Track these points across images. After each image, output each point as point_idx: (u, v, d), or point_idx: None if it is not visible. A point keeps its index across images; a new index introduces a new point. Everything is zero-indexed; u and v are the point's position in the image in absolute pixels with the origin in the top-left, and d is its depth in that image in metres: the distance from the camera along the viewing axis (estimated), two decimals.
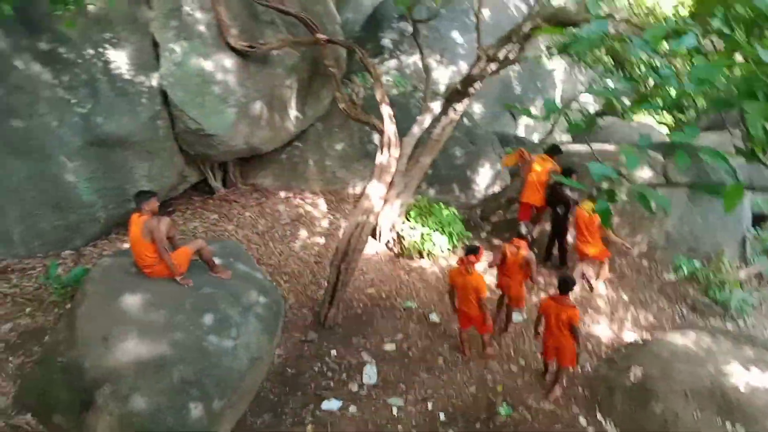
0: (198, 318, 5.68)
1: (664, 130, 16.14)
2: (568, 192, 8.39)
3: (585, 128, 3.03)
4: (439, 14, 9.79)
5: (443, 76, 14.09)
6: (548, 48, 12.13)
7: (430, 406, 6.63)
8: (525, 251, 7.21)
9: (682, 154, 2.96)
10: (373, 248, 9.05)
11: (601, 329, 7.95)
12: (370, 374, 6.98)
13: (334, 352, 7.23)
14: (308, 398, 6.52)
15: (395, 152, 7.88)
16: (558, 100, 16.61)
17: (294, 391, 6.60)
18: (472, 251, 6.72)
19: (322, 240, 9.34)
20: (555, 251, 9.00)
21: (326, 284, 7.73)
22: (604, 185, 8.07)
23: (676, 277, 8.83)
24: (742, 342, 6.84)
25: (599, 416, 6.67)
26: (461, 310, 6.99)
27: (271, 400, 6.45)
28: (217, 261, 6.38)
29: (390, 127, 7.90)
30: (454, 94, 8.47)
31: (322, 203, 10.17)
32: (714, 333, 7.11)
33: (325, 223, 9.74)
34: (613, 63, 13.06)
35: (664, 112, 17.44)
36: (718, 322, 8.16)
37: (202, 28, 8.43)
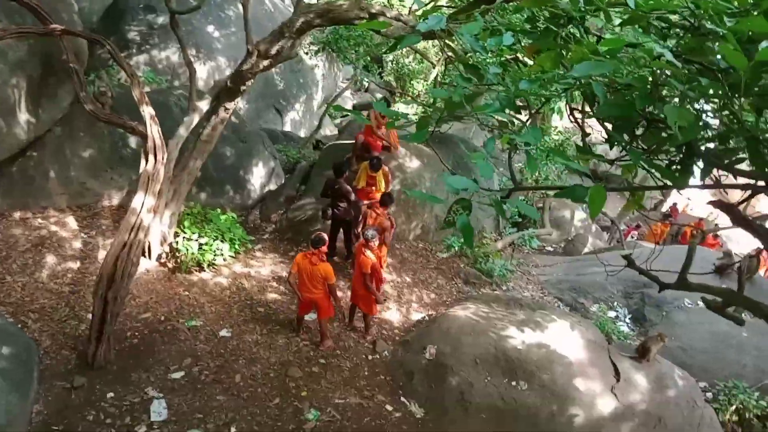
0: None
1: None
2: (347, 186, 8.43)
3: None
4: (201, 6, 8.98)
5: (201, 72, 13.17)
6: (311, 44, 12.08)
7: (233, 430, 6.08)
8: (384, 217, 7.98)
9: (532, 161, 3.01)
10: (142, 266, 7.99)
11: (391, 314, 8.20)
12: (158, 411, 6.13)
13: (110, 394, 6.18)
14: None
15: (162, 157, 7.00)
16: (320, 97, 16.86)
17: None
18: (320, 243, 6.83)
19: (75, 264, 7.97)
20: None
21: (90, 317, 6.56)
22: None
23: (448, 255, 9.55)
24: (512, 306, 7.65)
25: (403, 399, 6.87)
26: (305, 297, 7.08)
27: None
28: None
29: (154, 130, 6.99)
30: (224, 92, 7.86)
31: (71, 221, 8.68)
32: (488, 302, 7.83)
33: (77, 244, 8.33)
34: (370, 60, 13.63)
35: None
36: (487, 289, 9.05)
37: None
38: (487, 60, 3.10)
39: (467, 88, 2.61)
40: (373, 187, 8.76)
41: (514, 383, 6.67)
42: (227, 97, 7.93)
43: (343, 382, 6.98)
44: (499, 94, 2.56)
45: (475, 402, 6.64)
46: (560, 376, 6.64)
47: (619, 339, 8.45)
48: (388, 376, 7.21)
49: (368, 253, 7.13)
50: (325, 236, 7.04)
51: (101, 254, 8.06)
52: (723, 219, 18.74)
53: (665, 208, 21.02)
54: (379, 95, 20.59)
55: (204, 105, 8.01)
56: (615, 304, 9.08)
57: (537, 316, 7.35)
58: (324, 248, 6.92)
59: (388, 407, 6.77)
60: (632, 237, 17.95)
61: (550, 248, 13.30)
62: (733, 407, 7.24)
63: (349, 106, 19.60)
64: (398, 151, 9.82)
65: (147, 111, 7.16)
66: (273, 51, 7.23)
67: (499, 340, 7.00)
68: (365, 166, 8.80)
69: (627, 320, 8.91)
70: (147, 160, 6.99)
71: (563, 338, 7.01)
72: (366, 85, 20.56)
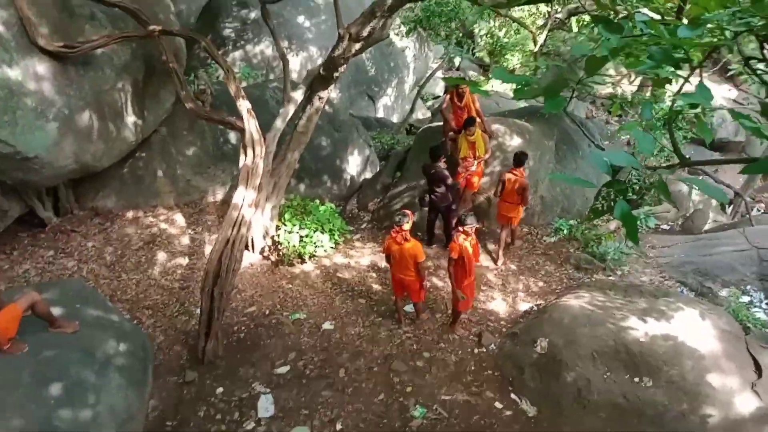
0: (41, 391, 4.54)
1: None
2: (445, 171, 8.05)
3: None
4: None
5: (294, 63, 13.28)
6: (401, 24, 11.76)
7: (339, 426, 5.98)
8: (522, 178, 7.86)
9: (703, 126, 2.53)
10: (246, 260, 8.12)
11: (496, 304, 7.78)
12: (266, 406, 6.16)
13: (220, 389, 6.29)
14: None
15: (260, 151, 6.99)
16: (411, 79, 16.50)
17: None
18: (402, 220, 6.59)
19: (185, 261, 8.23)
20: (438, 231, 8.72)
21: (199, 313, 6.71)
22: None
23: (556, 239, 8.94)
24: (631, 293, 6.97)
25: (513, 396, 6.46)
26: (396, 278, 6.97)
27: None
28: (57, 312, 5.19)
29: (251, 124, 6.99)
30: (318, 81, 7.73)
31: (179, 218, 8.98)
32: (604, 289, 7.19)
33: (185, 241, 8.61)
34: (461, 36, 13.09)
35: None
36: (601, 275, 8.36)
37: (0, 28, 6.84)
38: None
39: (612, 39, 2.14)
40: (472, 154, 8.36)
41: (637, 379, 6.04)
42: (320, 86, 7.79)
43: (448, 377, 6.68)
44: (651, 48, 2.08)
45: (593, 399, 6.09)
46: (690, 372, 5.92)
47: (756, 327, 7.49)
48: (496, 371, 6.81)
49: (461, 238, 6.60)
50: (409, 213, 6.75)
51: (207, 249, 8.28)
52: None
53: None
54: (472, 72, 19.93)
55: (298, 95, 7.93)
56: (749, 287, 8.05)
57: (660, 304, 6.63)
58: (406, 225, 6.58)
59: (498, 404, 6.39)
60: (758, 210, 16.17)
61: (665, 226, 12.19)
62: None
63: (440, 86, 19.11)
64: (493, 131, 9.26)
65: (243, 105, 7.17)
66: (364, 33, 6.95)
67: (619, 331, 6.37)
68: (463, 136, 8.41)
69: (764, 305, 7.88)
70: (246, 155, 7.02)
71: (692, 328, 6.26)
72: (457, 63, 19.95)
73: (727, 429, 5.70)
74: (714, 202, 14.75)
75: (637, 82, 19.24)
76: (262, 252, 8.40)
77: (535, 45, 11.42)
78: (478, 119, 8.59)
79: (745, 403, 5.72)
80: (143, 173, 9.14)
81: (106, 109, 8.19)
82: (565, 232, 8.86)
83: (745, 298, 7.88)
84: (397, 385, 6.51)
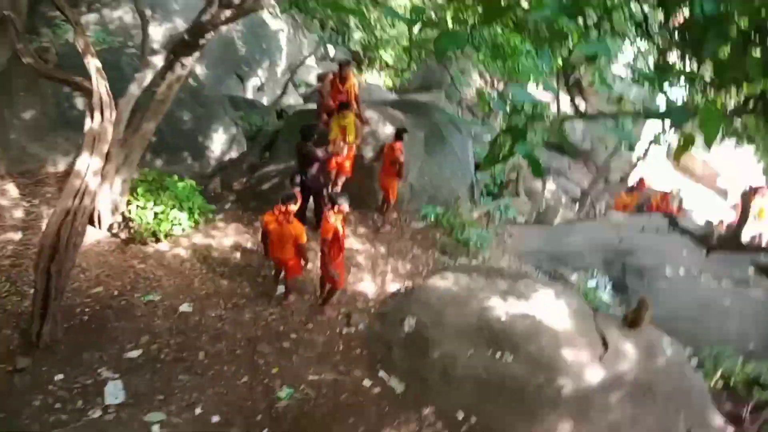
0: None
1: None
2: (317, 151, 7.84)
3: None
4: None
5: (156, 33, 12.25)
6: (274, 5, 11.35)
7: (198, 410, 5.54)
8: (399, 152, 8.21)
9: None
10: (92, 237, 7.30)
11: (366, 285, 7.73)
12: (114, 392, 5.53)
13: (60, 376, 5.54)
14: None
15: (110, 115, 6.25)
16: (284, 64, 16.08)
17: None
18: (289, 199, 6.46)
19: (17, 236, 7.20)
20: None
21: (33, 293, 5.87)
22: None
23: (424, 225, 9.12)
24: (493, 275, 7.27)
25: (382, 374, 6.42)
26: (275, 257, 6.86)
27: None
28: None
29: (100, 84, 6.22)
30: (181, 47, 7.11)
31: (11, 188, 7.86)
32: (468, 272, 7.42)
33: (18, 214, 7.55)
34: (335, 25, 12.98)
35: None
36: (464, 259, 8.66)
37: None
38: None
39: None
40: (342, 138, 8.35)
41: (498, 355, 6.28)
42: (184, 52, 7.19)
43: (316, 357, 6.49)
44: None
45: (458, 375, 6.23)
46: (547, 347, 6.28)
47: (600, 308, 8.20)
48: (364, 350, 6.74)
49: (332, 217, 6.55)
50: (297, 193, 6.58)
51: (45, 224, 7.32)
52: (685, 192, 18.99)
53: (631, 181, 21.11)
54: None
55: (158, 60, 7.22)
56: (595, 272, 8.83)
57: (520, 286, 6.98)
58: (292, 206, 6.48)
59: (366, 382, 6.31)
60: (600, 209, 17.91)
61: (520, 219, 13.04)
62: (719, 373, 7.08)
63: (313, 74, 18.86)
64: (368, 118, 9.26)
65: (92, 63, 6.37)
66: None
67: (482, 311, 6.60)
68: (336, 117, 8.36)
69: (608, 289, 8.67)
70: (93, 118, 6.24)
71: (548, 308, 6.65)
72: (332, 54, 19.84)
73: (578, 398, 6.12)
74: (564, 199, 16.09)
75: (500, 87, 20.49)
76: (110, 229, 7.60)
77: (410, 40, 11.57)
78: (353, 104, 8.55)
79: (594, 374, 6.18)
80: None
81: None
82: (432, 218, 9.07)
83: (592, 282, 8.60)
84: (262, 367, 6.22)
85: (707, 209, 19.87)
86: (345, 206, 6.59)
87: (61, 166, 8.46)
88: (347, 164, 8.56)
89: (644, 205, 18.27)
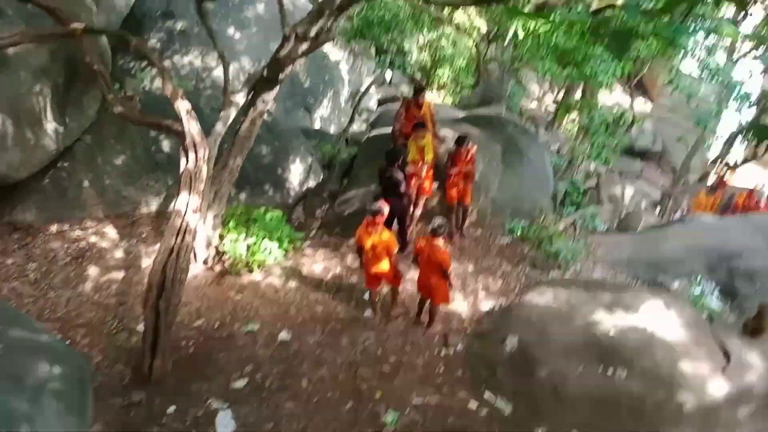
0: None
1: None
2: (400, 176, 7.84)
3: None
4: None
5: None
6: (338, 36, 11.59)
7: None
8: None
9: None
10: (190, 272, 7.49)
11: (458, 305, 7.56)
12: (225, 423, 5.59)
13: (172, 408, 5.65)
14: None
15: (203, 154, 6.44)
16: (346, 92, 16.33)
17: None
18: (377, 212, 6.56)
19: (120, 275, 7.51)
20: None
21: (143, 329, 6.05)
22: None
23: (510, 240, 8.90)
24: (594, 288, 6.95)
25: (488, 395, 6.22)
26: (369, 271, 6.85)
27: None
28: None
29: (192, 126, 6.44)
30: (261, 83, 7.32)
31: (110, 231, 8.23)
32: (566, 286, 7.15)
33: (119, 254, 7.87)
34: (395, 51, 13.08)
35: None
36: (555, 272, 8.37)
37: None
38: None
39: None
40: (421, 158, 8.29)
41: (611, 371, 5.95)
42: (264, 88, 7.39)
43: (418, 380, 6.37)
44: None
45: (569, 393, 5.96)
46: (663, 361, 5.91)
47: (711, 317, 7.69)
48: (466, 371, 6.56)
49: (440, 243, 6.56)
50: (382, 203, 6.70)
51: (145, 263, 7.60)
52: None
53: (710, 181, 20.10)
54: (404, 87, 20.07)
55: (240, 99, 7.45)
56: (699, 278, 8.29)
57: (625, 298, 6.62)
58: (379, 217, 6.58)
59: (472, 404, 6.13)
60: (682, 211, 17.09)
61: (602, 227, 12.56)
62: None
63: (374, 101, 19.10)
64: (443, 137, 9.23)
65: (182, 106, 6.61)
66: (312, 33, 6.67)
67: (588, 326, 6.29)
68: (413, 138, 8.32)
69: (715, 295, 8.12)
70: (188, 158, 6.44)
71: (659, 319, 6.26)
72: (389, 78, 20.06)
73: (702, 414, 5.73)
74: (644, 204, 15.44)
75: (558, 97, 20.12)
76: (205, 262, 7.81)
77: (478, 55, 11.51)
78: (428, 125, 8.55)
79: (717, 388, 5.78)
80: (67, 184, 8.33)
81: (23, 115, 7.47)
82: (518, 232, 8.84)
83: (697, 289, 8.09)
84: (365, 392, 6.13)
85: None
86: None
87: (154, 207, 8.81)
88: (427, 184, 8.50)
89: (729, 205, 17.34)
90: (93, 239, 7.91)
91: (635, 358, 5.93)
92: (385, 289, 7.32)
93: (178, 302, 6.21)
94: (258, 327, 6.92)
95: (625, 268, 8.95)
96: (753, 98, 12.19)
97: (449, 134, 9.28)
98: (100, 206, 8.49)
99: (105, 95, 7.16)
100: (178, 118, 6.57)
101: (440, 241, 6.55)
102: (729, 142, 17.79)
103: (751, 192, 17.77)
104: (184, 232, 6.13)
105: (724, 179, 19.94)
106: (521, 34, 7.62)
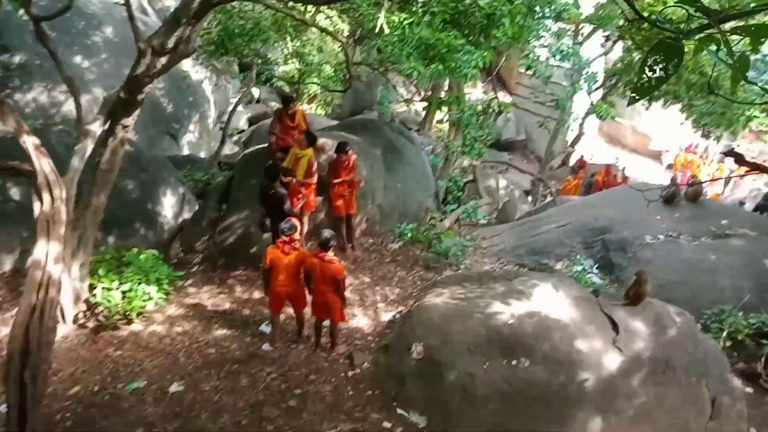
0: None
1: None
2: (284, 192, 7.52)
3: None
4: (70, 7, 7.62)
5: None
6: (199, 46, 10.95)
7: None
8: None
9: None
10: (58, 333, 6.60)
11: (359, 320, 7.39)
12: None
13: None
14: None
15: (60, 193, 5.66)
16: (213, 113, 15.62)
17: None
18: (292, 229, 6.47)
19: None
20: None
21: (4, 409, 5.21)
22: None
23: (401, 244, 8.90)
24: (486, 280, 7.08)
25: (400, 411, 6.07)
26: (282, 292, 6.64)
27: None
28: None
29: (43, 163, 5.64)
30: (119, 106, 6.65)
31: None
32: (460, 282, 7.21)
33: None
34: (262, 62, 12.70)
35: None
36: (449, 271, 8.47)
37: None
38: None
39: None
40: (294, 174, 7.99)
41: (515, 362, 6.06)
42: (123, 112, 6.73)
43: (328, 409, 6.07)
44: None
45: (479, 393, 5.97)
46: (560, 342, 6.12)
47: (595, 291, 8.14)
48: (375, 389, 6.37)
49: (331, 256, 6.47)
50: (294, 219, 6.71)
51: (2, 332, 6.62)
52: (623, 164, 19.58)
53: (572, 162, 21.59)
54: (273, 104, 19.61)
55: (96, 128, 6.70)
56: (578, 257, 8.79)
57: (517, 285, 6.83)
58: (331, 251, 6.50)
59: (386, 424, 5.95)
60: (551, 196, 18.15)
61: (483, 220, 13.00)
62: (725, 332, 7.11)
63: (244, 120, 18.48)
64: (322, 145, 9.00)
65: (30, 141, 5.73)
66: (170, 44, 6.15)
67: (487, 318, 6.37)
68: (293, 151, 8.09)
69: (595, 270, 8.65)
70: (42, 201, 5.62)
71: (551, 301, 6.51)
72: (257, 95, 19.53)
73: (602, 389, 5.97)
74: (517, 193, 16.23)
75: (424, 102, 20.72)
76: (75, 320, 6.96)
77: (347, 58, 11.37)
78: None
79: (612, 361, 6.05)
80: None
81: None
82: (408, 235, 8.85)
83: (578, 267, 8.54)
84: None
85: (647, 174, 20.62)
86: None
87: (8, 266, 7.77)
88: (312, 198, 8.24)
89: (591, 184, 18.73)
90: None
91: (535, 343, 6.09)
92: (282, 316, 6.99)
93: (48, 369, 5.43)
94: (144, 383, 6.24)
95: (511, 256, 9.30)
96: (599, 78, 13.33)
97: (329, 142, 9.07)
98: None
99: None
100: (26, 158, 5.74)
101: (331, 254, 6.42)
102: (583, 122, 19.18)
103: (608, 168, 19.33)
104: (47, 286, 5.33)
105: (583, 159, 21.56)
106: (387, 29, 7.51)
